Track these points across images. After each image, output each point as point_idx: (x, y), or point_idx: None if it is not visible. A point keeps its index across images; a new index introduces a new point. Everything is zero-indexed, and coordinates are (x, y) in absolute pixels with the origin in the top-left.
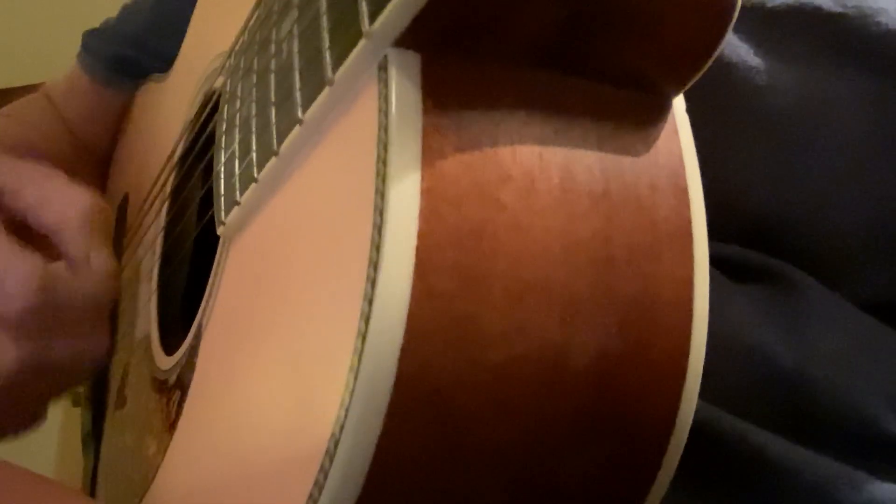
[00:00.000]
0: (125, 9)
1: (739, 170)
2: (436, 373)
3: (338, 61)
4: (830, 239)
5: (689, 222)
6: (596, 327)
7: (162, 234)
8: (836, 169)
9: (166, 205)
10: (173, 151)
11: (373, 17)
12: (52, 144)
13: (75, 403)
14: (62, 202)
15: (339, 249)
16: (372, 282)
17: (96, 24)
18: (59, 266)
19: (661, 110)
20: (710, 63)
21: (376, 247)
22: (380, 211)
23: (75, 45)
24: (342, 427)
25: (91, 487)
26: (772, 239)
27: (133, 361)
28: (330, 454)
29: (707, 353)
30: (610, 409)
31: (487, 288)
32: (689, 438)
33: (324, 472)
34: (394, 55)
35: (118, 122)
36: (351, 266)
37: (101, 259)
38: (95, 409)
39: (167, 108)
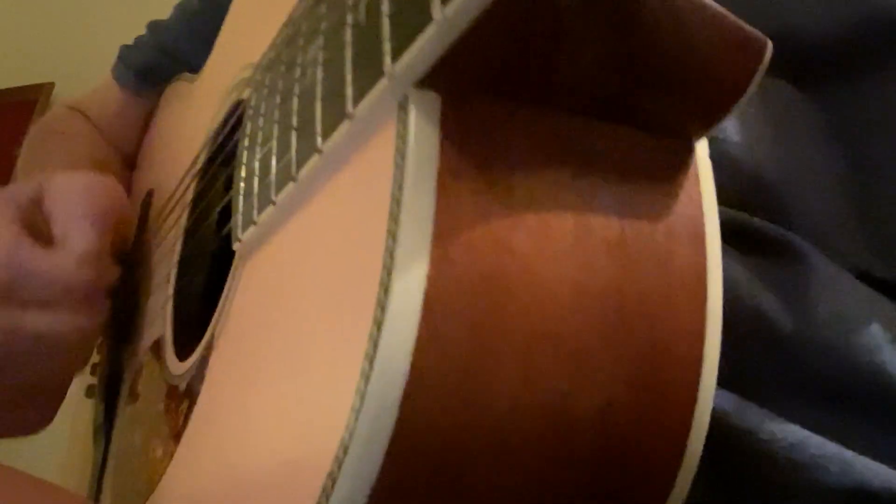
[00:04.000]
0: (154, 23)
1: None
2: (438, 419)
3: (358, 96)
4: (813, 204)
5: (705, 273)
6: (604, 378)
7: (181, 238)
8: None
9: (187, 211)
10: (197, 157)
11: (395, 56)
12: (100, 156)
13: (88, 395)
14: (60, 187)
15: (349, 285)
16: (378, 324)
17: (96, 24)
18: (28, 240)
19: (684, 155)
20: (738, 105)
21: (385, 288)
22: (390, 252)
23: (75, 45)
24: (340, 465)
25: (99, 479)
26: (772, 202)
27: (147, 361)
28: (326, 492)
29: None
30: (613, 459)
31: (496, 336)
32: None
33: None
34: (414, 96)
35: (146, 125)
36: (359, 305)
37: (75, 239)
38: (108, 403)
39: (193, 111)
